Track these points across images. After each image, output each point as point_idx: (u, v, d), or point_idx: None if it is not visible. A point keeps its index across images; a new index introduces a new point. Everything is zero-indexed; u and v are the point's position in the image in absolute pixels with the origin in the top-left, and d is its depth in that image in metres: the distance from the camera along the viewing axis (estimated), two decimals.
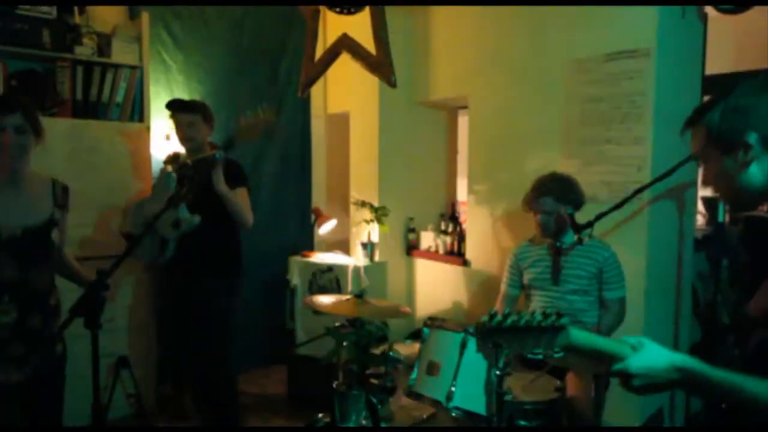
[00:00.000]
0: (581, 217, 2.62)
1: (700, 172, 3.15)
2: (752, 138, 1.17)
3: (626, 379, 1.15)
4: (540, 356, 2.05)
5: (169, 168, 2.82)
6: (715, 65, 3.39)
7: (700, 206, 3.76)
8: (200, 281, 2.90)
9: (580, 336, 1.18)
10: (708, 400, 1.19)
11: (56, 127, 3.19)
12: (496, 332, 1.15)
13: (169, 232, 2.71)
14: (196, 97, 4.13)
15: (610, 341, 1.21)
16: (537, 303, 2.78)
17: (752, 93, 1.20)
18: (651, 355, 1.14)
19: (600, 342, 1.21)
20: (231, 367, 3.05)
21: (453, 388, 2.04)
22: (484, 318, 1.14)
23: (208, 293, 2.90)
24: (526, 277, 2.83)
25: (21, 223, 1.94)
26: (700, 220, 3.86)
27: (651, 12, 2.89)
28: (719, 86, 3.45)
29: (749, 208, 1.29)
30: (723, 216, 2.73)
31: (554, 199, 2.68)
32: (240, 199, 2.90)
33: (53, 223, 2.04)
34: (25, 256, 1.95)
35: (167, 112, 4.01)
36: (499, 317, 1.13)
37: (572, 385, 2.42)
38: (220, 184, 2.78)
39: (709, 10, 3.05)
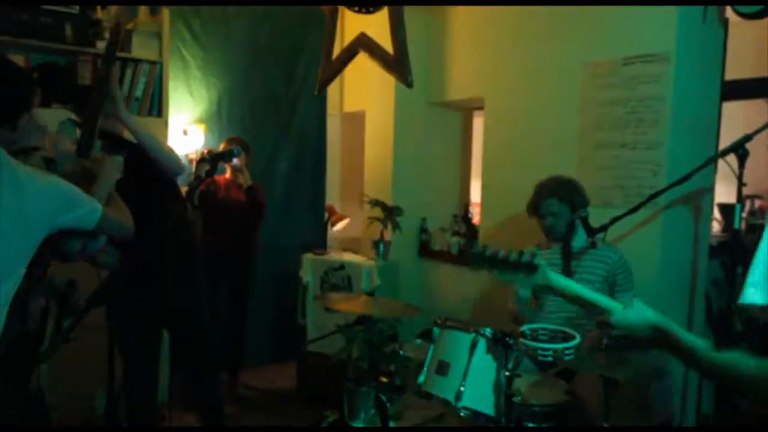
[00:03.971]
0: (595, 222, 2.61)
1: (717, 178, 3.14)
2: None
3: (606, 328, 1.27)
4: (550, 358, 2.05)
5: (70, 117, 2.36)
6: (735, 71, 3.35)
7: (716, 212, 3.72)
8: (157, 290, 2.43)
9: (560, 281, 1.32)
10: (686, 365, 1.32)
11: None
12: (481, 259, 1.35)
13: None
14: (213, 93, 4.18)
15: (598, 295, 1.33)
16: (547, 307, 2.78)
17: None
18: (633, 312, 1.26)
19: (585, 292, 1.33)
20: (216, 367, 2.90)
21: (462, 388, 2.04)
22: (475, 248, 1.38)
23: (170, 302, 2.47)
24: None
25: None
26: (716, 226, 3.82)
27: (670, 16, 2.87)
28: (738, 92, 3.42)
29: None
30: (739, 223, 2.71)
31: (559, 200, 2.67)
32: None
33: None
34: None
35: (185, 107, 4.09)
36: (481, 248, 1.37)
37: (581, 388, 2.41)
38: (123, 113, 2.27)
39: (730, 14, 3.02)
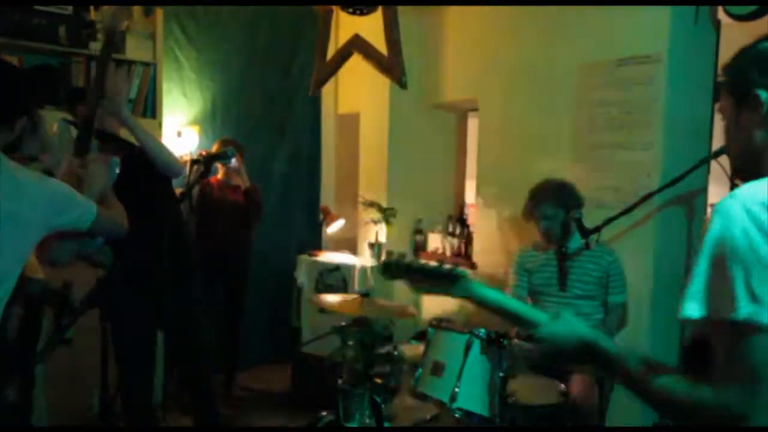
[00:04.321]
0: (588, 223, 2.62)
1: (710, 179, 3.15)
2: (763, 95, 1.01)
3: (534, 342, 1.20)
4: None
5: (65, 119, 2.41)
6: None
7: (709, 213, 3.74)
8: (153, 291, 2.44)
9: (484, 291, 1.25)
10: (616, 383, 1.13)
11: None
12: (398, 269, 1.28)
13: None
14: (207, 94, 4.17)
15: (524, 306, 1.26)
16: (543, 308, 2.79)
17: None
18: (562, 325, 1.16)
19: (510, 303, 1.25)
20: (212, 368, 2.90)
21: (457, 389, 2.04)
22: (391, 257, 1.29)
23: (166, 303, 2.49)
24: (533, 282, 2.84)
25: None
26: None
27: (663, 18, 2.88)
28: None
29: (747, 175, 1.07)
30: None
31: (553, 204, 2.69)
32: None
33: None
34: None
35: (179, 109, 4.08)
36: (398, 257, 1.32)
37: (576, 388, 2.42)
38: (123, 112, 2.34)
39: (722, 17, 3.04)
